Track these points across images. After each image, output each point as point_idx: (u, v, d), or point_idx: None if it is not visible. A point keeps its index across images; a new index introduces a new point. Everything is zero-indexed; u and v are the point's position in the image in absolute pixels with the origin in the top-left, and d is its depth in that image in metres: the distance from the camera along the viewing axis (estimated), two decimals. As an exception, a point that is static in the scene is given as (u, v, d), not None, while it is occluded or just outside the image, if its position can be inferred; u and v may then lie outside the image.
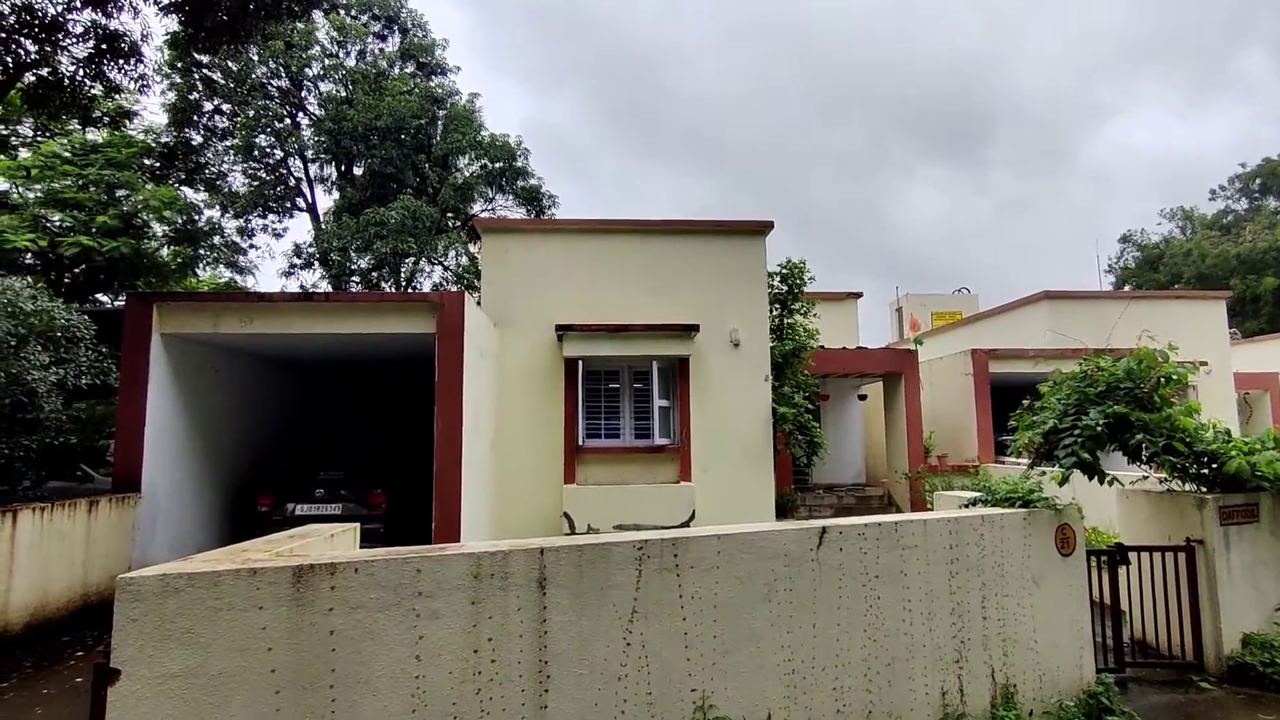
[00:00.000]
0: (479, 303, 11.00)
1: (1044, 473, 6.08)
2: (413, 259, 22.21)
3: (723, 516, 10.41)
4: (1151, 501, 6.60)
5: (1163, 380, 5.89)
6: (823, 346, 14.70)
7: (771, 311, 13.14)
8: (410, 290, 22.23)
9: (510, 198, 23.87)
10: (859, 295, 20.98)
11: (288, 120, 22.76)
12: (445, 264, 23.97)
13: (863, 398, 17.81)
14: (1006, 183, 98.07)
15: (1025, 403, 6.40)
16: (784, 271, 13.12)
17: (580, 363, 10.58)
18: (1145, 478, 6.54)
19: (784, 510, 13.16)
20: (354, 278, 22.28)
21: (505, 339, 10.73)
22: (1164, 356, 6.00)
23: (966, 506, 5.85)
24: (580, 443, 10.51)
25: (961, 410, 15.94)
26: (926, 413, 16.16)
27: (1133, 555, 6.28)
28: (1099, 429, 5.62)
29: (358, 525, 4.85)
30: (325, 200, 24.57)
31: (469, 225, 22.93)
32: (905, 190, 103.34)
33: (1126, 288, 35.88)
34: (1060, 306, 18.04)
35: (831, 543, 4.62)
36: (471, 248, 23.42)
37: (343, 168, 23.29)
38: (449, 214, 24.22)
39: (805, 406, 11.84)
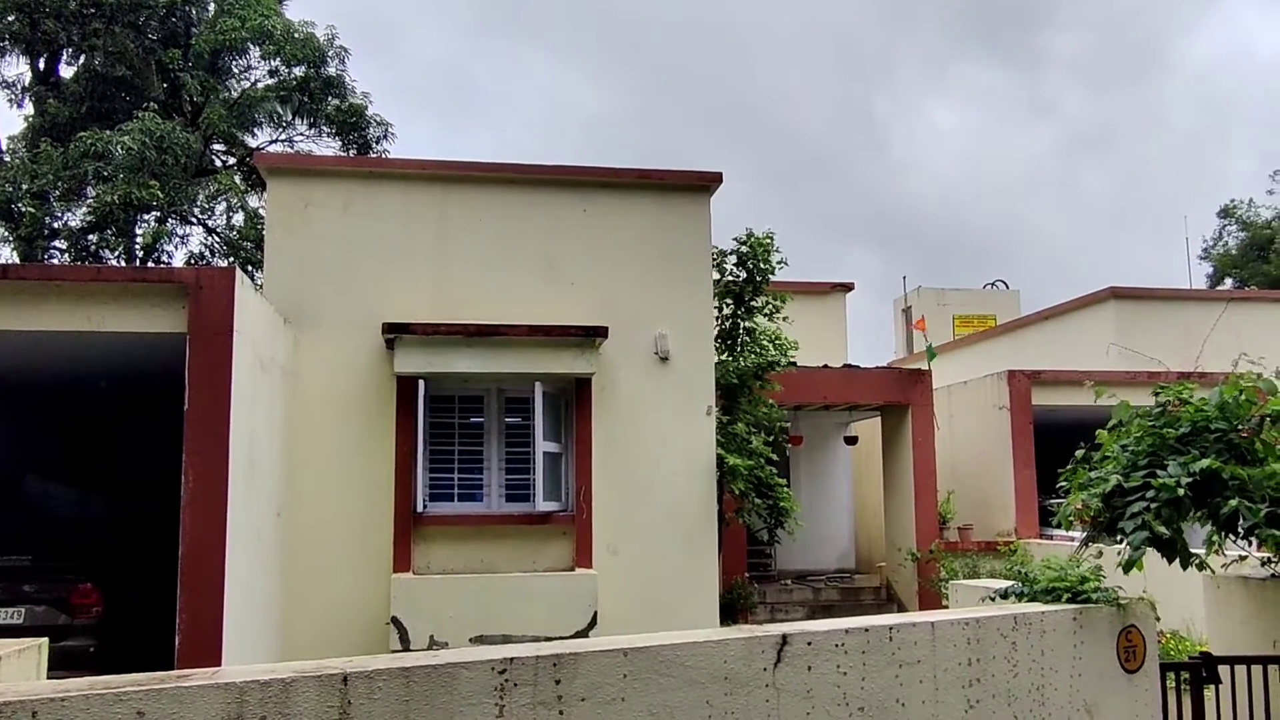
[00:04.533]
0: (261, 287, 10.73)
1: (1102, 551, 6.39)
2: (156, 214, 21.48)
3: (640, 620, 10.42)
4: (1252, 593, 7.02)
5: (1267, 420, 6.29)
6: (794, 364, 15.06)
7: (721, 309, 13.37)
8: (151, 265, 21.47)
9: (318, 125, 23.45)
10: (848, 288, 21.62)
11: (-50, -15, 21.67)
12: (210, 224, 23.28)
13: (851, 441, 18.33)
14: (1073, 99, 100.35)
15: (1079, 453, 6.71)
16: (742, 249, 13.38)
17: (422, 384, 10.48)
18: (1243, 558, 6.97)
19: (733, 610, 13.34)
20: (57, 242, 21.36)
21: (304, 345, 10.51)
22: (1270, 387, 6.40)
23: (993, 601, 6.07)
24: (420, 508, 10.38)
25: (993, 460, 16.60)
26: (944, 464, 16.77)
27: (1224, 670, 6.66)
28: (1181, 490, 5.95)
29: (45, 641, 4.63)
30: (11, 117, 23.42)
31: (249, 163, 22.37)
32: (922, 106, 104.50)
33: (1227, 283, 38.21)
34: (1133, 311, 19.10)
35: (795, 659, 4.71)
36: (253, 200, 22.83)
37: (42, 65, 22.35)
38: (218, 145, 23.52)
39: (767, 454, 12.08)
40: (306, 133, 23.79)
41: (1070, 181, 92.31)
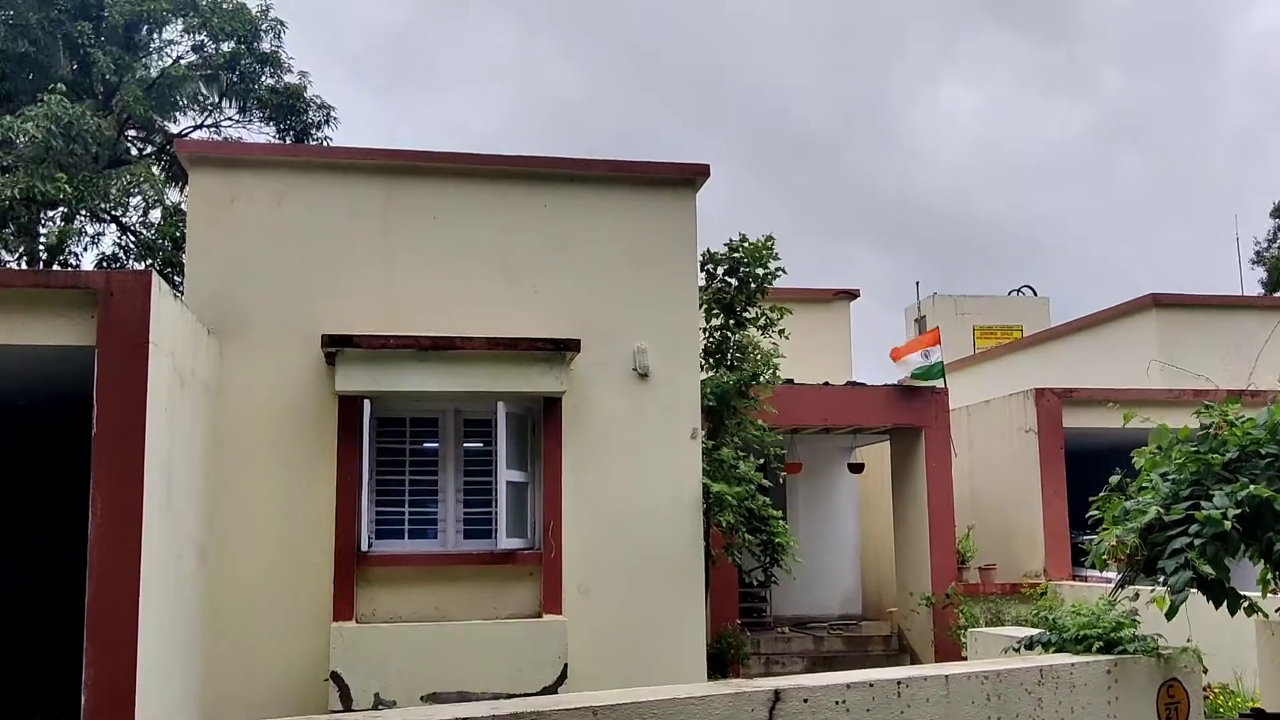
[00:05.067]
0: (181, 293, 10.68)
1: (1139, 594, 6.42)
2: (63, 210, 21.37)
3: (616, 674, 10.40)
4: (1308, 640, 7.08)
5: (1323, 442, 6.34)
6: (790, 380, 15.10)
7: (710, 320, 13.39)
8: (56, 268, 21.34)
9: (249, 108, 23.42)
10: (852, 295, 21.70)
11: None
12: (124, 222, 23.18)
13: (856, 468, 18.36)
14: (1111, 81, 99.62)
15: (1113, 479, 6.75)
16: (735, 256, 13.40)
17: (367, 404, 10.43)
18: (1299, 601, 7.02)
19: (723, 662, 13.31)
20: (-51, 241, 21.23)
21: (231, 359, 10.46)
22: (1323, 404, 6.45)
23: (1016, 651, 6.09)
24: (365, 546, 10.32)
25: (1019, 491, 16.66)
26: (962, 494, 16.81)
27: (1279, 728, 6.71)
28: (1228, 523, 5.98)
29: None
30: (-104, 98, 23.24)
31: (169, 152, 22.29)
32: (937, 85, 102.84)
33: (1283, 290, 38.45)
34: (1177, 321, 19.23)
35: (789, 718, 4.72)
36: (173, 194, 22.75)
37: (-68, 40, 22.24)
38: (134, 131, 23.46)
39: (759, 482, 12.09)
40: (235, 117, 23.79)
41: (1107, 172, 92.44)
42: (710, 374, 12.90)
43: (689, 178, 11.70)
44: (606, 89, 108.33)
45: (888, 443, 17.35)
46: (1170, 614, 5.96)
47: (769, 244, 13.43)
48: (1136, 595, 6.49)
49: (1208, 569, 5.86)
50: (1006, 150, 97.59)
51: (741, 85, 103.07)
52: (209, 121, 23.84)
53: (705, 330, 13.29)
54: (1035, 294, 30.30)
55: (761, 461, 12.82)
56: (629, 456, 11.09)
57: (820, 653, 16.09)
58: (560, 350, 10.67)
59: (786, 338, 13.97)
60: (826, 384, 16.45)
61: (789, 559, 12.34)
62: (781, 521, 12.24)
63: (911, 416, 16.13)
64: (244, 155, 11.57)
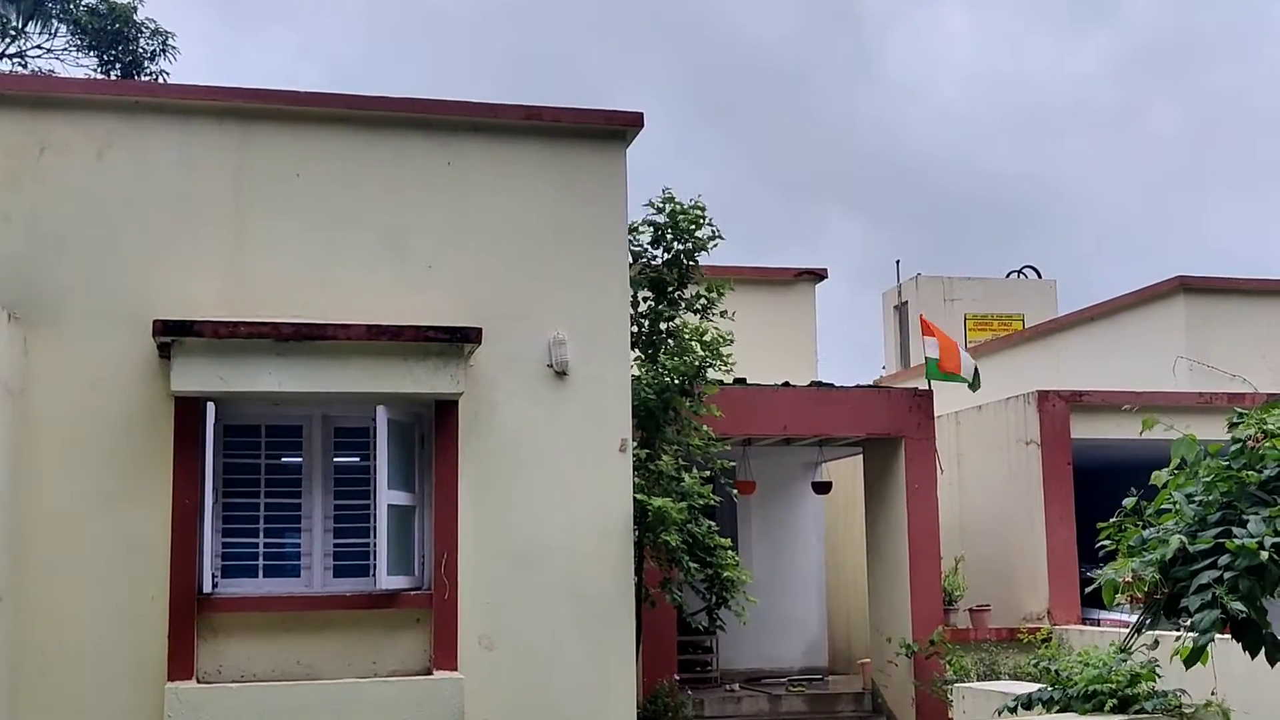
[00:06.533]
0: (-25, 267, 10.51)
1: (1158, 641, 6.56)
2: None
3: (524, 744, 10.43)
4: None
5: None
6: (741, 380, 15.14)
7: (636, 303, 13.40)
8: None
9: (62, 32, 23.07)
10: (819, 276, 21.84)
11: None
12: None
13: (823, 489, 18.47)
14: (1138, 6, 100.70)
15: (1128, 502, 6.88)
16: (660, 220, 13.43)
17: (212, 407, 10.34)
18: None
19: (657, 729, 13.37)
20: None
21: (38, 351, 10.31)
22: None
23: (1011, 712, 6.19)
24: (208, 587, 10.22)
25: (1018, 516, 16.87)
26: (950, 520, 16.96)
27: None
28: (1265, 553, 6.11)
29: None
30: None
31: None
32: (926, 4, 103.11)
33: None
34: (1210, 309, 19.58)
35: (741, 794, 4.77)
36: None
37: None
38: (-87, 62, 23.02)
39: (707, 496, 12.13)
40: (45, 44, 23.39)
41: (1131, 122, 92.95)
42: (644, 370, 12.89)
43: (618, 129, 11.70)
44: (507, 7, 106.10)
45: (860, 457, 17.47)
46: (1190, 660, 6.06)
47: (697, 208, 13.48)
48: (1156, 642, 6.62)
49: (1239, 607, 5.95)
50: (1012, 91, 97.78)
51: (684, 4, 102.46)
52: (11, 50, 23.44)
53: (633, 315, 13.26)
54: (1040, 276, 30.69)
55: (708, 476, 12.85)
56: (542, 474, 11.08)
57: (778, 714, 16.21)
58: (456, 341, 10.61)
59: (732, 317, 13.92)
60: (786, 384, 16.51)
61: (740, 596, 12.39)
62: (731, 552, 12.29)
63: (889, 425, 16.25)
64: (56, 94, 11.37)
